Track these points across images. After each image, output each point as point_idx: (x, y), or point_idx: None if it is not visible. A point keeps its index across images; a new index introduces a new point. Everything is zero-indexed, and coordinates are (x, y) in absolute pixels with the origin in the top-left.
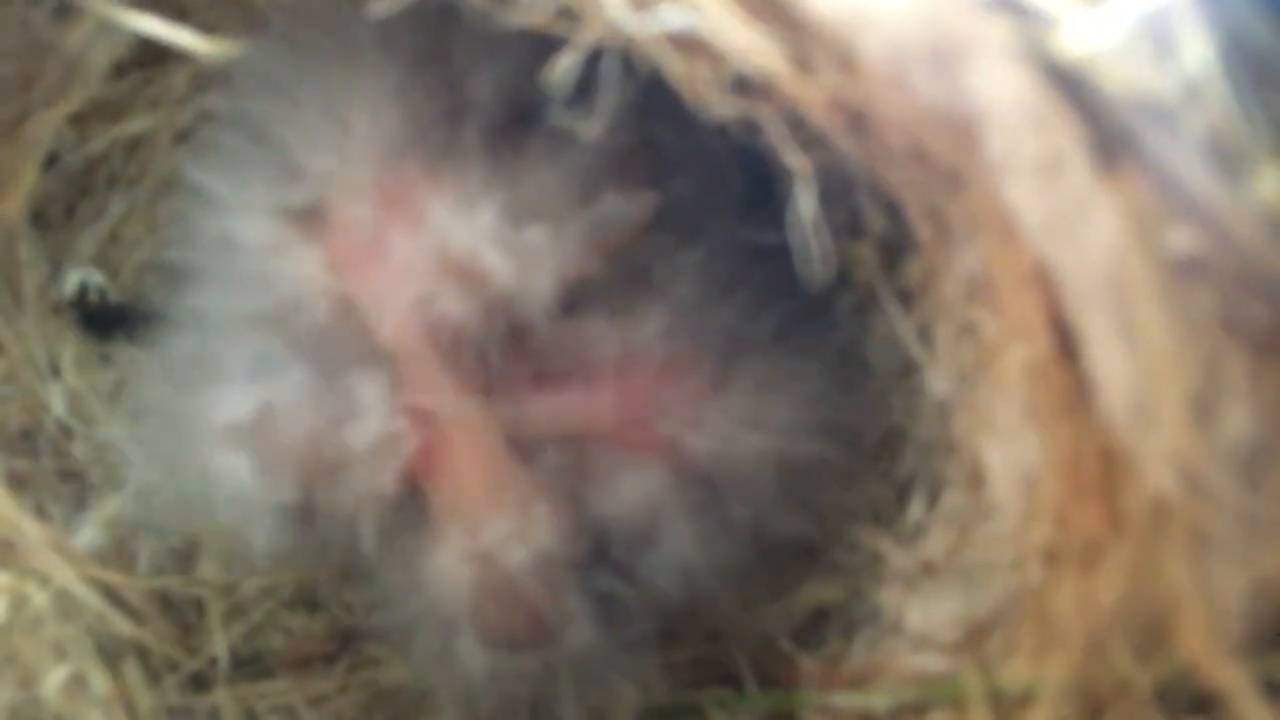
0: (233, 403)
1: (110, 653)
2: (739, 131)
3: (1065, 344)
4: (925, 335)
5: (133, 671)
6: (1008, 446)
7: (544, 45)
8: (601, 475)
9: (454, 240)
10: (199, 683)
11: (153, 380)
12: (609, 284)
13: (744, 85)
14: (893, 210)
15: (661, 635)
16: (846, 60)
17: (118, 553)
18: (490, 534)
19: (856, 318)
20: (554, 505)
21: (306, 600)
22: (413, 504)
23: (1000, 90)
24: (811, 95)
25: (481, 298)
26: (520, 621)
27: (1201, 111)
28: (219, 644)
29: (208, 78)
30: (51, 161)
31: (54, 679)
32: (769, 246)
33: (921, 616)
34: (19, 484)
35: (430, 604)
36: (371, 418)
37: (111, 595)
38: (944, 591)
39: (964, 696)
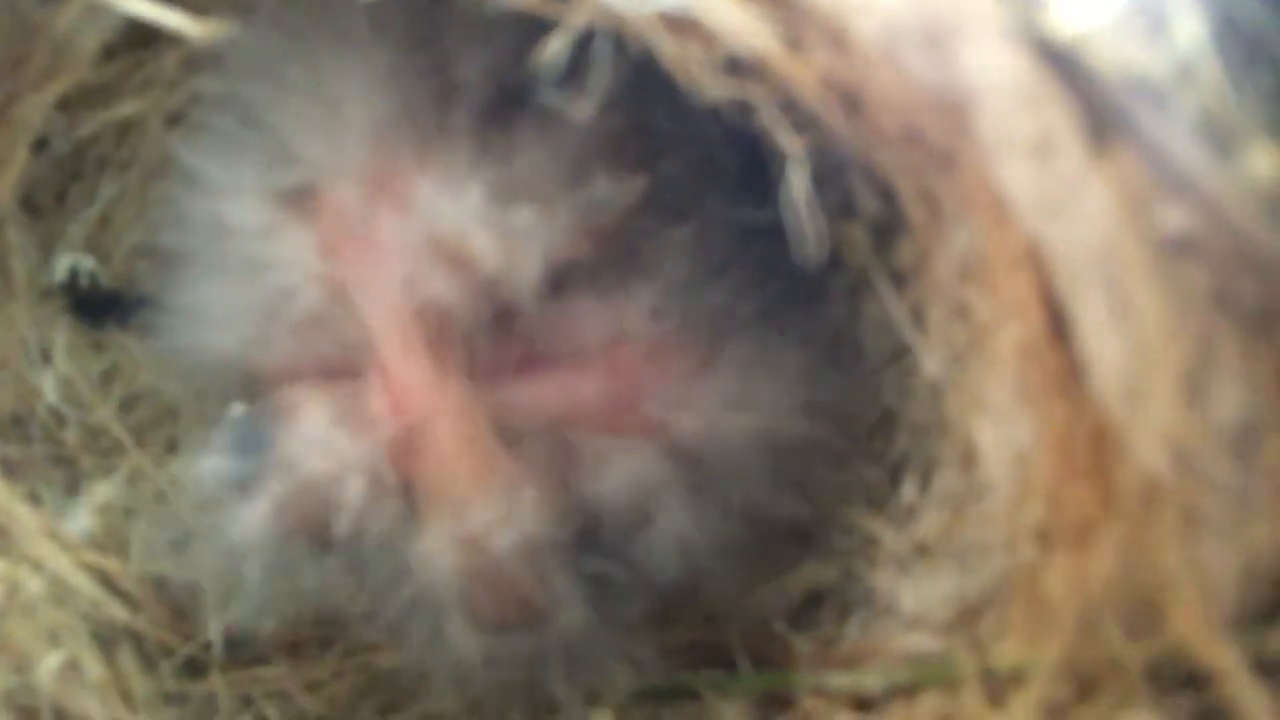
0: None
1: (104, 638)
2: (731, 113)
3: (1057, 323)
4: (918, 316)
5: (127, 657)
6: (1000, 427)
7: (535, 27)
8: (591, 458)
9: (442, 222)
10: (194, 668)
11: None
12: (597, 266)
13: (736, 66)
14: (885, 191)
15: (655, 617)
16: (839, 40)
17: (111, 538)
18: (476, 518)
19: (849, 299)
20: (542, 488)
21: None
22: (400, 488)
23: (992, 70)
24: (804, 76)
25: (469, 280)
26: (509, 605)
27: (1193, 90)
28: (213, 629)
29: (198, 60)
30: (41, 145)
31: (48, 665)
32: (761, 228)
33: (914, 597)
34: (11, 470)
35: (420, 589)
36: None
37: (105, 581)
38: (936, 572)
39: (957, 676)
